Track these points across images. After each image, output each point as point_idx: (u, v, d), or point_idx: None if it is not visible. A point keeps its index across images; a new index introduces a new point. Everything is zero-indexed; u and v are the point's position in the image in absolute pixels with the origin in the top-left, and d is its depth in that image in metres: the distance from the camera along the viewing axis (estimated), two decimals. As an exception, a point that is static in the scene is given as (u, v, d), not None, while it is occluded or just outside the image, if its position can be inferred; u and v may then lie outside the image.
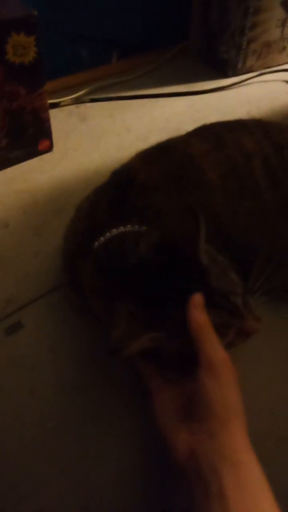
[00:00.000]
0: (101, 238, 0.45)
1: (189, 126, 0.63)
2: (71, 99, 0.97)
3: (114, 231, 0.45)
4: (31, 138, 0.79)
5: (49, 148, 0.83)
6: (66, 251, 0.53)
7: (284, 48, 1.09)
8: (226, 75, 1.06)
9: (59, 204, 0.73)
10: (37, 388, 0.51)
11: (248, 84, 1.04)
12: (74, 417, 0.49)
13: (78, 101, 0.97)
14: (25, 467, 0.45)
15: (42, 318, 0.57)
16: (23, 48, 0.69)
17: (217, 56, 1.06)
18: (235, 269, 0.44)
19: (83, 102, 0.97)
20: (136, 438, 0.47)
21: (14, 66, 0.69)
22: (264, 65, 1.08)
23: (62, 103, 0.96)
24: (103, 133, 0.89)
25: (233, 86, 1.03)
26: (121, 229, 0.45)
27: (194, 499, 0.34)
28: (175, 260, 0.40)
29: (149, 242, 0.42)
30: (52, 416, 0.49)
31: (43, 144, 0.82)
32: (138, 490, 0.44)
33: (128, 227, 0.45)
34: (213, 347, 0.38)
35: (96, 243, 0.45)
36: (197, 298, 0.39)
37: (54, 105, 0.94)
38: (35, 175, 0.79)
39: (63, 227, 0.59)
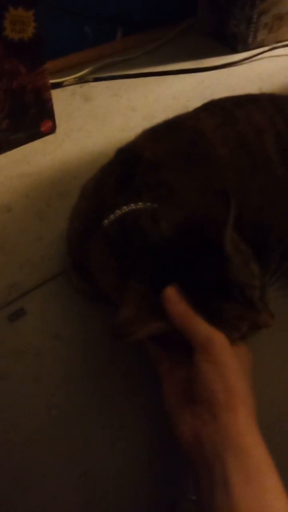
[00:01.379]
0: (111, 216, 0.43)
1: (198, 104, 0.60)
2: (74, 78, 0.93)
3: (125, 208, 0.42)
4: (33, 119, 0.76)
5: (52, 129, 0.80)
6: (72, 231, 0.51)
7: (296, 21, 1.04)
8: (236, 50, 1.01)
9: (62, 187, 0.71)
10: (42, 375, 0.49)
11: (259, 59, 1.00)
12: (79, 405, 0.47)
13: (81, 80, 0.94)
14: (30, 455, 0.44)
15: (45, 304, 0.55)
16: (21, 23, 0.65)
17: (227, 30, 1.02)
18: (256, 259, 0.41)
19: (86, 81, 0.94)
20: (144, 426, 0.45)
21: (13, 43, 0.66)
22: (276, 39, 1.04)
23: (65, 83, 0.92)
24: (108, 113, 0.86)
25: (243, 62, 0.99)
26: (132, 206, 0.42)
27: (198, 484, 0.33)
28: (198, 244, 0.37)
29: (172, 222, 0.39)
30: (57, 404, 0.47)
31: (46, 125, 0.79)
32: (145, 481, 0.43)
33: (140, 205, 0.42)
34: (202, 331, 0.36)
35: (106, 221, 0.43)
36: (168, 293, 0.36)
37: (57, 85, 0.91)
38: (38, 157, 0.76)
39: (67, 210, 0.56)
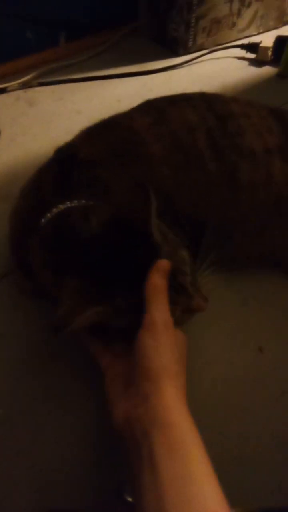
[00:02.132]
0: (48, 214, 0.44)
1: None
2: (18, 83, 0.93)
3: (61, 207, 0.43)
4: (-25, 124, 0.76)
5: (-4, 135, 0.80)
6: (12, 230, 0.52)
7: (234, 24, 1.08)
8: (177, 54, 1.05)
9: (7, 190, 0.70)
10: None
11: (199, 61, 1.03)
12: (25, 400, 0.48)
13: (25, 85, 0.94)
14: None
15: (-10, 306, 0.55)
16: None
17: (167, 34, 1.05)
18: (185, 246, 0.43)
19: (31, 86, 0.94)
20: (89, 418, 0.46)
21: None
22: (215, 42, 1.08)
23: (8, 88, 0.92)
24: (53, 117, 0.87)
25: (184, 65, 1.02)
26: (67, 204, 0.44)
27: (131, 466, 0.33)
28: (126, 236, 0.39)
29: (100, 218, 0.41)
30: (3, 401, 0.47)
31: (-11, 131, 0.78)
32: (91, 468, 0.44)
33: (74, 203, 0.44)
34: (158, 309, 0.37)
35: (43, 219, 0.44)
36: (164, 264, 0.38)
37: (1, 91, 0.91)
38: (-18, 162, 0.76)
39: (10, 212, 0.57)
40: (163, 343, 0.36)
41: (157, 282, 0.38)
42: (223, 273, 0.57)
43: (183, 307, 0.40)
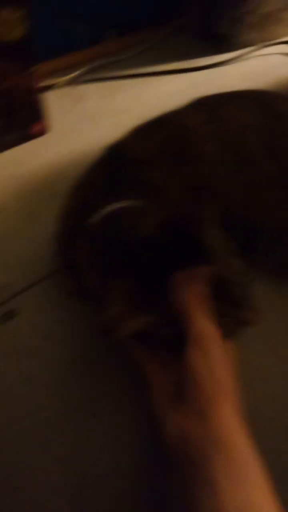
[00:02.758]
0: (96, 215, 0.43)
1: (188, 104, 0.60)
2: (65, 80, 0.94)
3: (110, 207, 0.43)
4: (24, 121, 0.76)
5: (43, 132, 0.80)
6: (61, 230, 0.51)
7: (283, 20, 1.04)
8: (223, 51, 1.02)
9: (54, 188, 0.71)
10: (34, 376, 0.49)
11: (247, 58, 1.00)
12: (71, 406, 0.47)
13: (72, 82, 0.94)
14: (23, 456, 0.44)
15: (37, 305, 0.55)
16: (9, 24, 0.66)
17: (213, 31, 1.02)
18: (238, 255, 0.41)
19: (78, 83, 0.94)
20: (136, 428, 0.45)
21: (1, 44, 0.66)
22: (263, 38, 1.04)
23: (56, 85, 0.93)
24: (99, 114, 0.86)
25: (231, 61, 0.99)
26: (116, 205, 0.43)
27: (184, 485, 0.32)
28: (180, 241, 0.38)
29: (154, 220, 0.40)
30: (47, 405, 0.47)
31: (36, 127, 0.79)
32: (137, 481, 0.42)
33: (123, 203, 0.43)
34: (203, 320, 0.35)
35: (91, 220, 0.43)
36: (204, 271, 0.36)
37: (48, 87, 0.91)
38: (29, 159, 0.76)
39: (58, 211, 0.57)
40: (214, 358, 0.34)
41: (197, 290, 0.36)
42: (280, 283, 0.54)
43: (235, 319, 0.39)
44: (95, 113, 0.87)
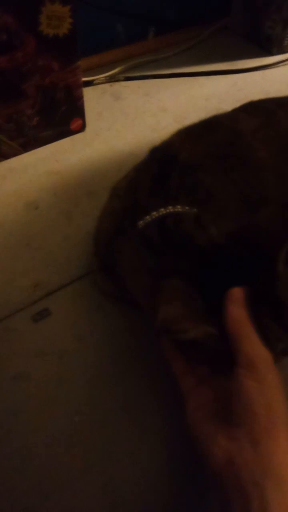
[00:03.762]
0: (147, 217, 0.41)
1: (230, 107, 0.58)
2: (105, 77, 0.92)
3: (162, 210, 0.41)
4: (63, 117, 0.75)
5: (82, 128, 0.79)
6: (101, 231, 0.50)
7: None
8: (271, 53, 0.99)
9: (90, 186, 0.70)
10: (65, 378, 0.48)
11: (295, 62, 0.97)
12: (102, 411, 0.46)
13: (112, 79, 0.93)
14: (51, 461, 0.43)
15: (70, 305, 0.54)
16: (57, 19, 0.64)
17: (261, 32, 0.99)
18: None
19: (117, 80, 0.93)
20: (170, 437, 0.43)
21: (47, 39, 0.65)
22: (313, 41, 1.00)
23: (95, 81, 0.91)
24: (138, 113, 0.85)
25: (278, 64, 0.96)
26: (170, 209, 0.41)
27: (226, 508, 0.30)
28: (249, 255, 0.36)
29: (222, 228, 0.38)
30: (80, 409, 0.46)
31: (76, 123, 0.78)
32: (168, 492, 0.41)
33: (178, 208, 0.41)
34: (254, 345, 0.33)
35: (141, 222, 0.42)
36: (236, 292, 0.34)
37: (88, 83, 0.90)
38: (67, 155, 0.75)
39: (95, 210, 0.55)
40: (268, 385, 0.32)
41: (238, 313, 0.34)
42: None
43: (284, 347, 0.36)
44: (134, 112, 0.85)
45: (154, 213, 0.40)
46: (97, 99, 0.88)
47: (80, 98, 0.75)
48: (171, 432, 0.44)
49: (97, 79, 0.92)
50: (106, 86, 0.92)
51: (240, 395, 0.32)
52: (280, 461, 0.30)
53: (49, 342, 0.51)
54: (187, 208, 0.40)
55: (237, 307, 0.34)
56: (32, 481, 0.41)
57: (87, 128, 0.80)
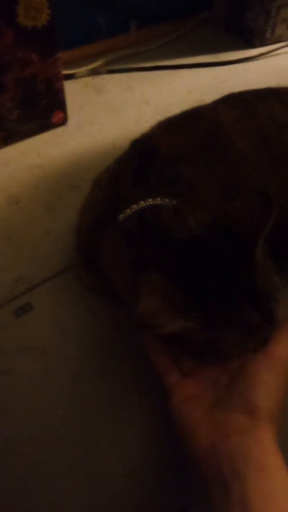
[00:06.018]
0: (128, 210, 0.41)
1: (213, 99, 0.57)
2: (87, 70, 0.91)
3: (142, 203, 0.41)
4: (45, 110, 0.74)
5: (63, 121, 0.78)
6: (83, 224, 0.49)
7: (316, 16, 1.01)
8: (253, 45, 0.99)
9: (73, 179, 0.69)
10: (49, 372, 0.48)
11: (277, 54, 0.97)
12: (87, 404, 0.46)
13: (94, 72, 0.92)
14: (34, 455, 0.43)
15: (53, 300, 0.54)
16: (35, 10, 0.63)
17: (243, 24, 0.99)
18: (277, 270, 0.39)
19: (99, 73, 0.92)
20: (154, 428, 0.44)
21: (26, 30, 0.64)
22: (295, 34, 1.01)
23: (77, 74, 0.90)
24: (121, 106, 0.84)
25: (261, 57, 0.96)
26: (150, 201, 0.41)
27: (212, 501, 0.31)
28: (228, 246, 0.36)
29: (200, 220, 0.38)
30: (64, 402, 0.46)
31: (57, 117, 0.77)
32: (154, 485, 0.41)
33: (158, 200, 0.41)
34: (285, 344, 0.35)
35: (122, 215, 0.41)
36: None
37: (69, 76, 0.89)
38: (48, 149, 0.74)
39: (77, 203, 0.55)
40: (281, 384, 0.33)
41: None
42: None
43: (265, 334, 0.37)
44: (116, 105, 0.84)
45: (134, 206, 0.40)
46: (79, 92, 0.87)
47: (61, 91, 0.74)
48: (156, 423, 0.44)
49: (79, 72, 0.91)
50: (88, 79, 0.91)
51: (247, 382, 0.33)
52: (262, 450, 0.30)
53: (32, 337, 0.50)
54: (167, 200, 0.40)
55: None
56: (16, 475, 0.41)
57: (69, 122, 0.79)
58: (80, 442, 0.43)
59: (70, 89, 0.86)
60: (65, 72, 0.86)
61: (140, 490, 0.40)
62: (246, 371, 0.34)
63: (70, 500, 0.40)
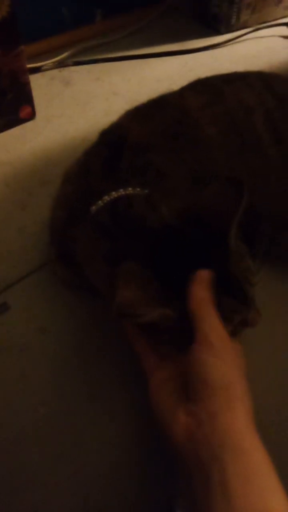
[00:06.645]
0: (99, 202, 0.40)
1: (182, 88, 0.57)
2: (53, 62, 0.90)
3: (114, 194, 0.40)
4: (11, 105, 0.73)
5: (31, 116, 0.77)
6: (55, 219, 0.49)
7: (279, 1, 1.01)
8: (219, 32, 0.99)
9: (44, 175, 0.68)
10: (28, 371, 0.47)
11: (243, 40, 0.97)
12: (68, 401, 0.45)
13: (61, 64, 0.90)
14: (18, 455, 0.42)
15: (29, 298, 0.53)
16: (-6, 1, 0.62)
17: (209, 11, 0.99)
18: (251, 253, 0.39)
19: (66, 65, 0.90)
20: (136, 422, 0.43)
21: (-14, 23, 0.62)
22: (259, 19, 1.01)
23: (43, 67, 0.89)
24: (89, 98, 0.83)
25: (227, 43, 0.96)
26: (121, 191, 0.40)
27: (194, 489, 0.30)
28: (201, 233, 0.36)
29: (173, 208, 0.38)
30: (45, 401, 0.45)
31: (25, 111, 0.75)
32: (140, 478, 0.41)
33: (129, 190, 0.40)
34: (210, 323, 0.34)
35: (94, 207, 0.41)
36: (204, 274, 0.35)
37: (35, 70, 0.87)
38: (17, 145, 0.73)
39: (50, 199, 0.54)
40: (225, 359, 0.33)
41: (202, 294, 0.34)
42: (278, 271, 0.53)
43: (241, 318, 0.37)
44: (85, 97, 0.83)
45: (106, 197, 0.40)
46: (46, 86, 0.86)
47: (26, 84, 0.73)
48: (139, 416, 0.44)
49: (45, 65, 0.89)
50: (55, 72, 0.90)
51: (197, 370, 0.32)
52: (237, 431, 0.30)
53: (9, 336, 0.49)
54: (138, 189, 0.40)
55: (202, 287, 0.34)
56: (1, 476, 0.40)
57: (38, 116, 0.78)
58: (63, 439, 0.43)
59: (37, 82, 0.84)
60: (31, 65, 0.85)
61: (126, 483, 0.40)
62: (193, 357, 0.34)
63: (56, 498, 0.40)
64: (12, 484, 0.40)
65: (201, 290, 0.34)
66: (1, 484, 0.40)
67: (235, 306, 0.35)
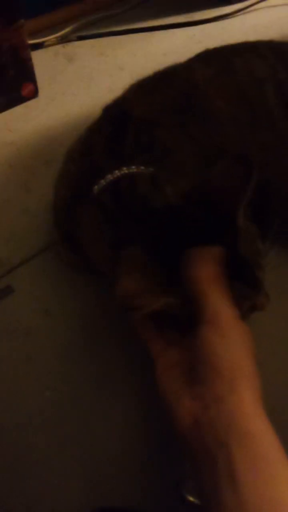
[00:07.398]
0: (102, 181, 0.39)
1: (190, 61, 0.54)
2: (56, 37, 0.86)
3: (117, 173, 0.39)
4: (13, 82, 0.70)
5: (34, 93, 0.74)
6: (58, 199, 0.47)
7: None
8: (228, 2, 0.94)
9: (48, 154, 0.66)
10: (33, 355, 0.46)
11: (253, 10, 0.93)
12: (74, 384, 0.45)
13: (64, 39, 0.87)
14: (24, 440, 0.42)
15: (34, 280, 0.52)
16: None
17: (218, -20, 0.94)
18: (261, 237, 0.38)
19: (69, 40, 0.87)
20: (143, 406, 0.43)
21: (-16, -5, 0.59)
22: (271, -12, 0.96)
23: (46, 43, 0.85)
24: (94, 74, 0.80)
25: (237, 14, 0.91)
26: (125, 170, 0.39)
27: (200, 474, 0.29)
28: (208, 214, 0.34)
29: (178, 188, 0.36)
30: (51, 384, 0.45)
31: (27, 89, 0.73)
32: (146, 460, 0.40)
33: (133, 169, 0.38)
34: (221, 300, 0.32)
35: (96, 186, 0.39)
36: (216, 251, 0.33)
37: (38, 46, 0.84)
38: (20, 124, 0.71)
39: (54, 180, 0.52)
40: (233, 339, 0.31)
41: (213, 270, 0.33)
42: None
43: (250, 302, 0.35)
44: (90, 73, 0.80)
45: (109, 176, 0.38)
46: (49, 62, 0.83)
47: (28, 60, 0.70)
48: (145, 399, 0.43)
49: (47, 40, 0.86)
50: (58, 47, 0.86)
51: (204, 351, 0.31)
52: (244, 415, 0.29)
53: (14, 319, 0.49)
54: (142, 168, 0.38)
55: (212, 264, 0.32)
56: (6, 462, 0.40)
57: (41, 94, 0.75)
58: (69, 422, 0.42)
59: (40, 59, 0.81)
60: (33, 41, 0.82)
61: (133, 467, 0.40)
62: (200, 338, 0.32)
63: (61, 482, 0.40)
64: (18, 468, 0.40)
65: (212, 266, 0.33)
66: (7, 468, 0.40)
67: (245, 291, 0.33)
